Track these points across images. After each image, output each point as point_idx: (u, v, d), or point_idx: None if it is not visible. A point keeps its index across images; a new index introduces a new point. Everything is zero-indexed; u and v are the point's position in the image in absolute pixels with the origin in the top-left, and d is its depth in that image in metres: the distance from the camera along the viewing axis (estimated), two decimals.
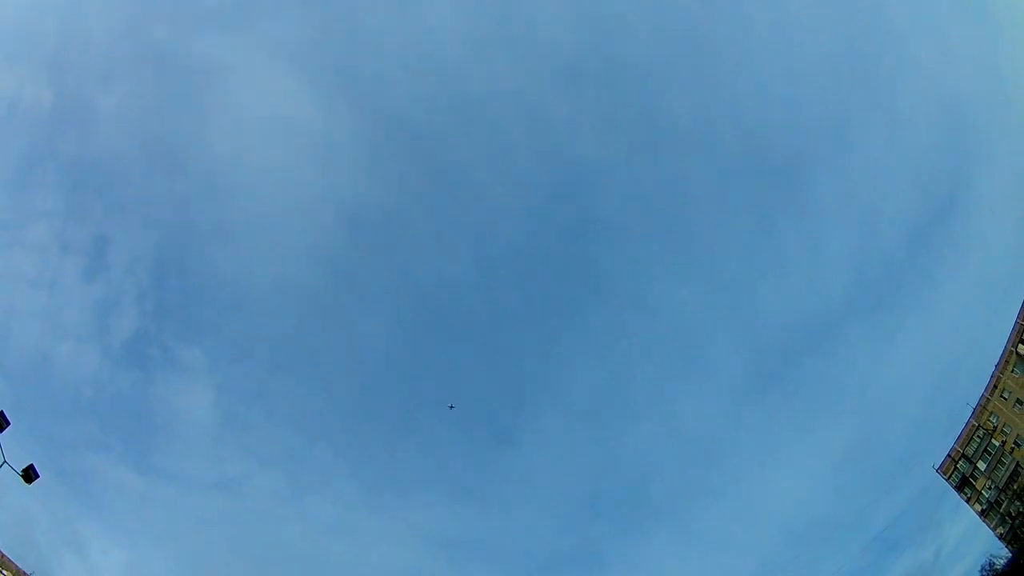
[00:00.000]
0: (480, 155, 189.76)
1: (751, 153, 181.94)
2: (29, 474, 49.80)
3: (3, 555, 70.13)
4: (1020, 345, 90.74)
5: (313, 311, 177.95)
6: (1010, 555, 75.55)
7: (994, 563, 74.24)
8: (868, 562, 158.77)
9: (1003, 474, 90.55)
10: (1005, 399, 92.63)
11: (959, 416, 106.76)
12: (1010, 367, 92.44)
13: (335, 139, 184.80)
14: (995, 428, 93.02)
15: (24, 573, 71.46)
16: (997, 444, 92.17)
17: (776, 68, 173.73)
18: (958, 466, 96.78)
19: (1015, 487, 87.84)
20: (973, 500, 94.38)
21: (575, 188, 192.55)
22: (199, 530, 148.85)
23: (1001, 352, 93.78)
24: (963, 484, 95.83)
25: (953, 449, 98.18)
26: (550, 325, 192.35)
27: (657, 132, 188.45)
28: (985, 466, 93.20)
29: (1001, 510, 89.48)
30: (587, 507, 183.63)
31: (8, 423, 47.42)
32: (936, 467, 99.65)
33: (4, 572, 69.49)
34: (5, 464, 48.47)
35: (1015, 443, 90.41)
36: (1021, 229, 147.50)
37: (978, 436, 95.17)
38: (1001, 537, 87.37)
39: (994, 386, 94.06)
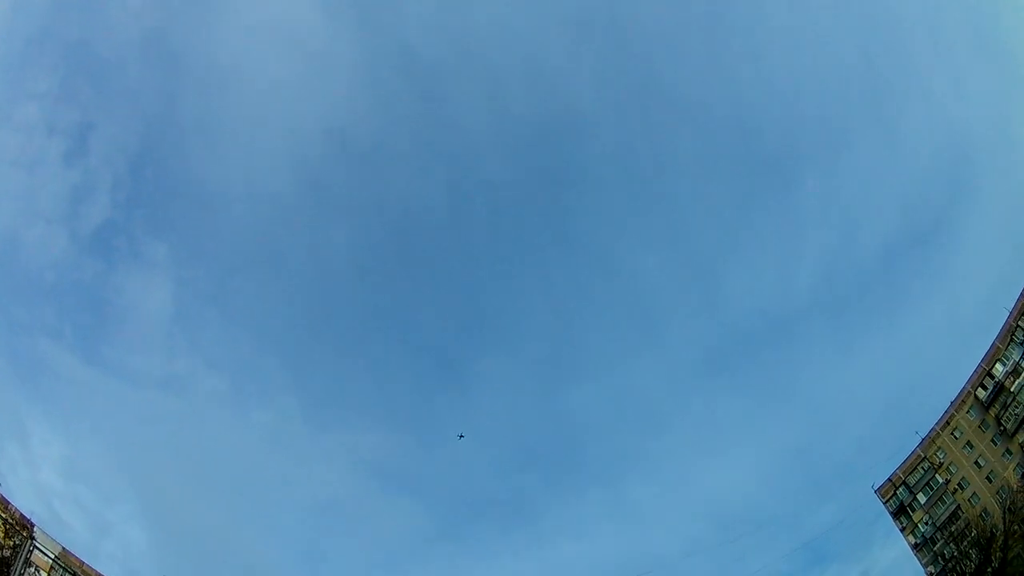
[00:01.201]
0: (473, 90, 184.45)
1: (743, 138, 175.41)
2: None
3: None
4: (980, 389, 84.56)
5: (281, 220, 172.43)
6: None
7: None
8: (794, 567, 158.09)
9: (942, 513, 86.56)
10: (955, 438, 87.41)
11: (906, 441, 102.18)
12: (966, 408, 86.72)
13: (334, 55, 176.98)
14: (941, 464, 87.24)
15: None
16: (940, 481, 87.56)
17: (784, 61, 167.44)
18: (898, 492, 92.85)
19: (953, 529, 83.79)
20: (908, 531, 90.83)
21: (561, 137, 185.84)
22: (140, 427, 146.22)
23: (959, 391, 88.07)
24: (900, 512, 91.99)
25: (895, 474, 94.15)
26: (513, 268, 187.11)
27: (652, 98, 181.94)
28: (925, 500, 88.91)
29: (935, 548, 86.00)
30: (523, 457, 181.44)
31: None
32: (875, 488, 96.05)
33: None
34: None
35: (959, 485, 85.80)
36: (999, 273, 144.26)
37: (922, 468, 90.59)
38: None
39: (946, 422, 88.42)
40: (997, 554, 60.69)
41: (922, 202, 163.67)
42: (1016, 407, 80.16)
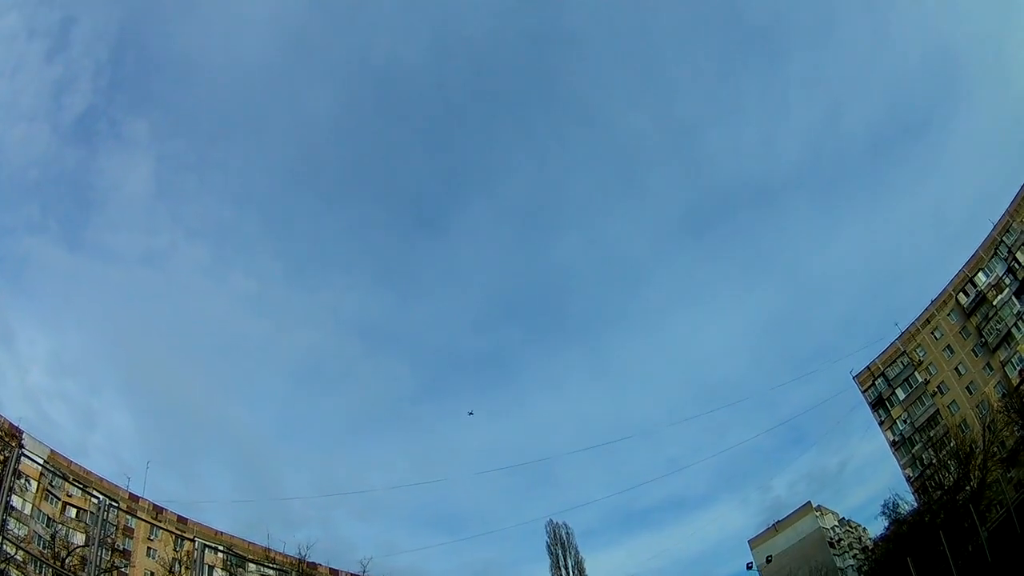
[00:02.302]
0: None
1: (730, 4, 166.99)
2: None
3: None
4: (961, 295, 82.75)
5: (263, 85, 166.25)
6: (915, 504, 74.69)
7: (898, 505, 72.90)
8: (773, 445, 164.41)
9: (921, 415, 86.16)
10: (936, 339, 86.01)
11: (886, 331, 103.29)
12: (946, 310, 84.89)
13: None
14: (920, 363, 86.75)
15: None
16: (920, 380, 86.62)
17: None
18: (876, 383, 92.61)
19: (932, 435, 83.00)
20: (887, 426, 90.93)
21: None
22: (123, 307, 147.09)
23: (940, 292, 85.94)
24: (879, 404, 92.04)
25: (873, 363, 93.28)
26: (496, 122, 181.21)
27: None
28: (904, 396, 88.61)
29: (914, 451, 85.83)
30: (504, 311, 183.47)
31: None
32: (854, 374, 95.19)
33: None
34: None
35: (938, 389, 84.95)
36: (984, 182, 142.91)
37: (901, 362, 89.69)
38: (909, 480, 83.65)
39: (927, 320, 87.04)
40: (976, 473, 62.15)
41: (910, 98, 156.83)
42: (998, 322, 78.85)
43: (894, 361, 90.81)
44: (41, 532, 59.09)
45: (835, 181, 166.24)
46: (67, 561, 49.37)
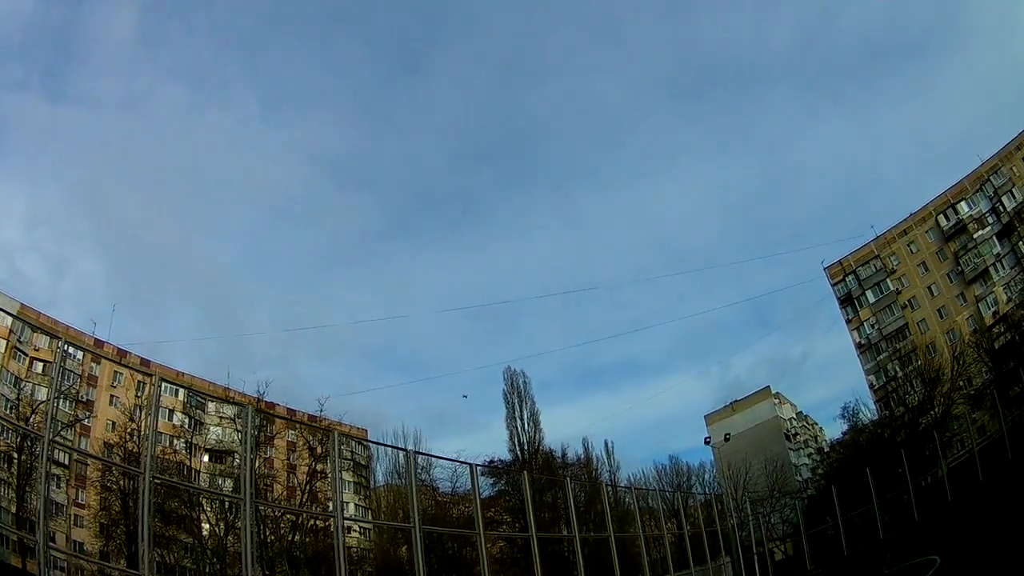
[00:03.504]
0: None
1: None
2: None
3: None
4: (942, 217, 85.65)
5: None
6: (876, 414, 76.67)
7: (859, 412, 74.62)
8: (736, 322, 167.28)
9: (890, 323, 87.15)
10: (911, 252, 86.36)
11: (861, 232, 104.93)
12: (925, 227, 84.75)
13: None
14: (893, 271, 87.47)
15: None
16: (892, 288, 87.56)
17: None
18: (847, 280, 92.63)
19: (900, 347, 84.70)
20: (854, 326, 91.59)
21: None
22: (99, 154, 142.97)
23: (921, 207, 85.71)
24: (848, 301, 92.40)
25: (846, 259, 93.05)
26: None
27: None
28: (874, 300, 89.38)
29: (879, 359, 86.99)
30: (477, 155, 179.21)
31: None
32: (825, 265, 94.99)
33: None
34: None
35: (909, 303, 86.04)
36: (972, 116, 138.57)
37: (874, 265, 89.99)
38: (872, 388, 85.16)
39: (904, 231, 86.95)
40: (940, 400, 63.75)
41: (912, 15, 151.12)
42: (976, 256, 79.67)
43: (867, 262, 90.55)
44: (8, 393, 56.90)
45: (823, 77, 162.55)
46: (31, 420, 47.59)
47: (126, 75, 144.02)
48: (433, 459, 45.89)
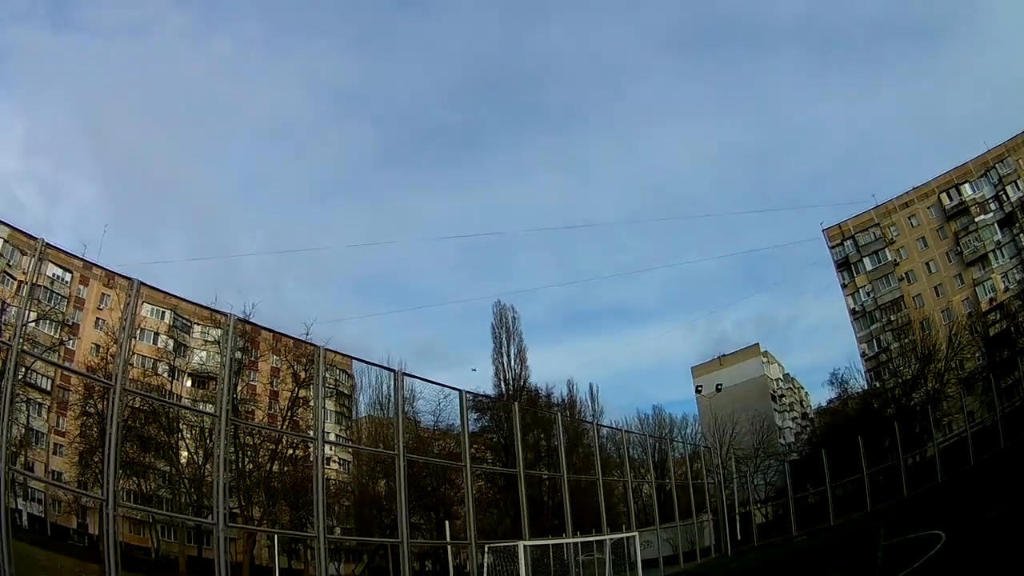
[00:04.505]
0: None
1: None
2: None
3: None
4: (944, 196, 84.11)
5: None
6: (866, 383, 76.15)
7: (849, 380, 74.00)
8: (728, 276, 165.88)
9: (886, 293, 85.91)
10: (912, 226, 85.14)
11: (862, 202, 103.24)
12: (927, 203, 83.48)
13: None
14: (892, 242, 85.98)
15: None
16: (889, 258, 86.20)
17: None
18: (845, 244, 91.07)
19: (894, 319, 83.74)
20: (849, 291, 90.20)
21: None
22: (102, 82, 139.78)
23: (924, 182, 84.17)
24: (844, 265, 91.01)
25: (845, 223, 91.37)
26: None
27: None
28: (871, 268, 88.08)
29: (872, 330, 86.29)
30: (479, 89, 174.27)
31: None
32: (824, 227, 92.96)
33: None
34: None
35: (907, 276, 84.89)
36: (979, 105, 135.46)
37: (873, 233, 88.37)
38: (864, 356, 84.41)
39: (905, 203, 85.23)
40: (932, 378, 63.31)
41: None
42: (977, 239, 78.86)
43: (866, 229, 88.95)
44: None
45: (834, 45, 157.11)
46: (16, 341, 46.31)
47: (133, 2, 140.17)
48: (417, 387, 44.89)
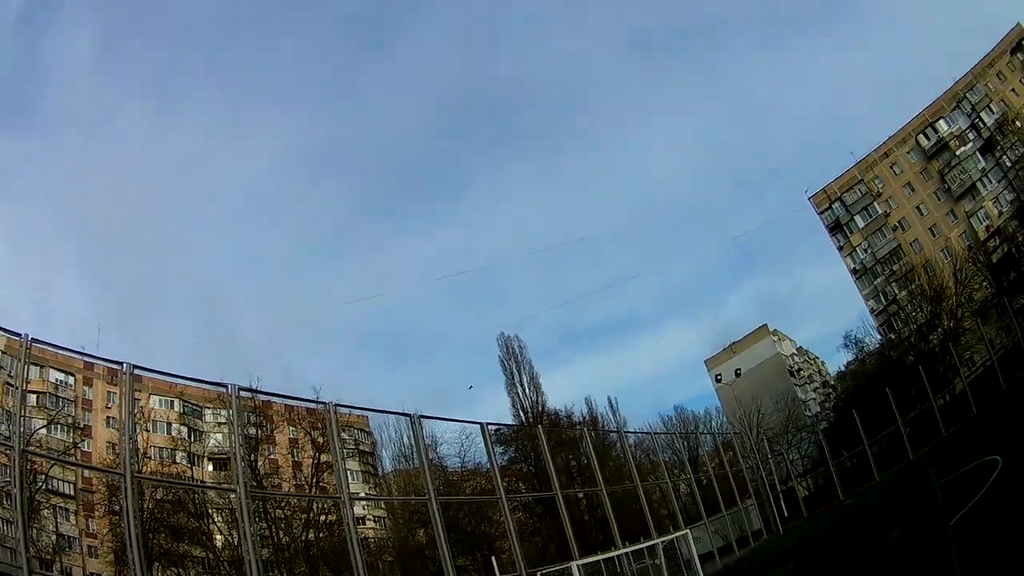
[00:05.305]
0: None
1: None
2: None
3: None
4: (922, 136, 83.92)
5: None
6: (880, 338, 75.76)
7: (862, 340, 73.45)
8: (723, 266, 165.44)
9: (883, 246, 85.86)
10: (895, 174, 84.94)
11: (841, 161, 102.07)
12: (906, 148, 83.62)
13: None
14: (879, 194, 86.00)
15: None
16: (880, 211, 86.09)
17: None
18: (833, 207, 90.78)
19: (896, 268, 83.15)
20: (846, 252, 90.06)
21: None
22: (70, 176, 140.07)
23: (898, 129, 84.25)
24: (836, 228, 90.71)
25: (829, 186, 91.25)
26: None
27: None
28: (864, 224, 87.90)
29: (876, 284, 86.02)
30: (450, 125, 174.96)
31: None
32: (809, 195, 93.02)
33: None
34: None
35: (900, 224, 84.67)
36: (935, 42, 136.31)
37: (859, 190, 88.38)
38: (873, 312, 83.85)
39: (885, 153, 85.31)
40: (946, 316, 62.80)
41: None
42: (962, 172, 79.16)
43: (851, 187, 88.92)
44: (6, 432, 54.97)
45: (782, 16, 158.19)
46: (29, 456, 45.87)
47: (89, 94, 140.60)
48: (438, 431, 44.56)
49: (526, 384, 63.56)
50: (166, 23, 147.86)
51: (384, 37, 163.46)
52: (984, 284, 67.56)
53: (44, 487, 41.58)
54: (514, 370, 64.01)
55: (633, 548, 27.62)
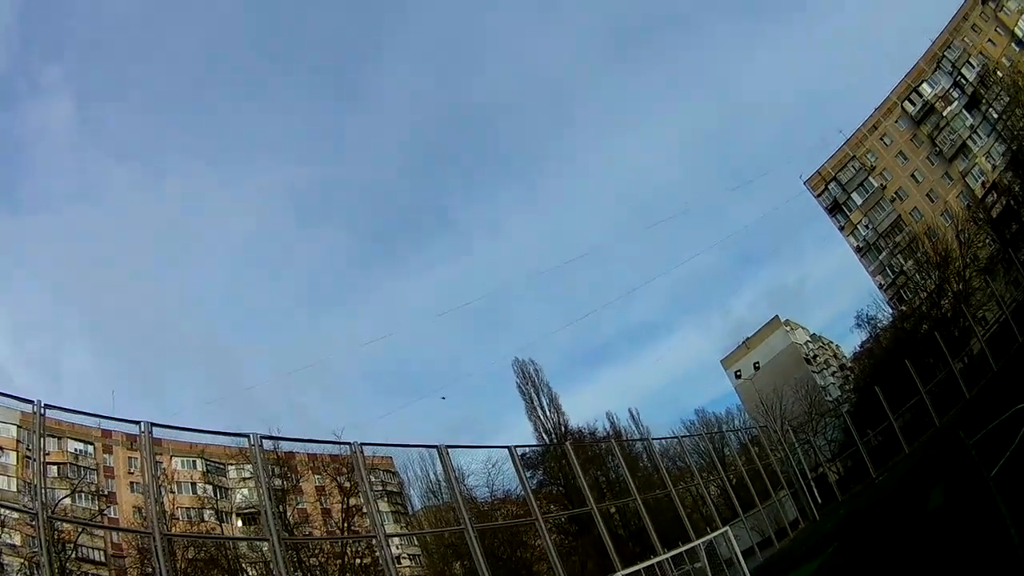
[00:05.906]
0: None
1: None
2: None
3: None
4: (907, 103, 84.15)
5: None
6: (891, 312, 75.48)
7: (874, 317, 73.18)
8: (726, 263, 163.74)
9: (883, 219, 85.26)
10: (886, 145, 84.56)
11: (830, 141, 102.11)
12: (893, 117, 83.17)
13: None
14: (873, 168, 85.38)
15: None
16: (876, 185, 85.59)
17: None
18: (829, 188, 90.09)
19: (899, 240, 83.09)
20: (848, 231, 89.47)
21: None
22: (68, 249, 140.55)
23: (883, 99, 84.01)
24: (836, 209, 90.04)
25: (823, 168, 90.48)
26: None
27: None
28: (862, 201, 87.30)
29: (881, 258, 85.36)
30: (435, 159, 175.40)
31: None
32: (804, 179, 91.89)
33: None
34: None
35: (897, 195, 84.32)
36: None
37: (853, 167, 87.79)
38: (881, 287, 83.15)
39: (873, 126, 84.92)
40: (954, 281, 62.58)
41: None
42: (951, 133, 78.55)
43: (844, 166, 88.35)
44: (30, 505, 54.90)
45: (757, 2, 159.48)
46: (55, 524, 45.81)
47: (76, 167, 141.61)
48: (464, 463, 44.35)
49: (546, 406, 63.37)
50: (138, 89, 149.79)
51: (356, 82, 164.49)
52: (988, 241, 67.17)
53: (74, 555, 41.37)
54: (532, 394, 63.78)
55: (673, 552, 27.33)
